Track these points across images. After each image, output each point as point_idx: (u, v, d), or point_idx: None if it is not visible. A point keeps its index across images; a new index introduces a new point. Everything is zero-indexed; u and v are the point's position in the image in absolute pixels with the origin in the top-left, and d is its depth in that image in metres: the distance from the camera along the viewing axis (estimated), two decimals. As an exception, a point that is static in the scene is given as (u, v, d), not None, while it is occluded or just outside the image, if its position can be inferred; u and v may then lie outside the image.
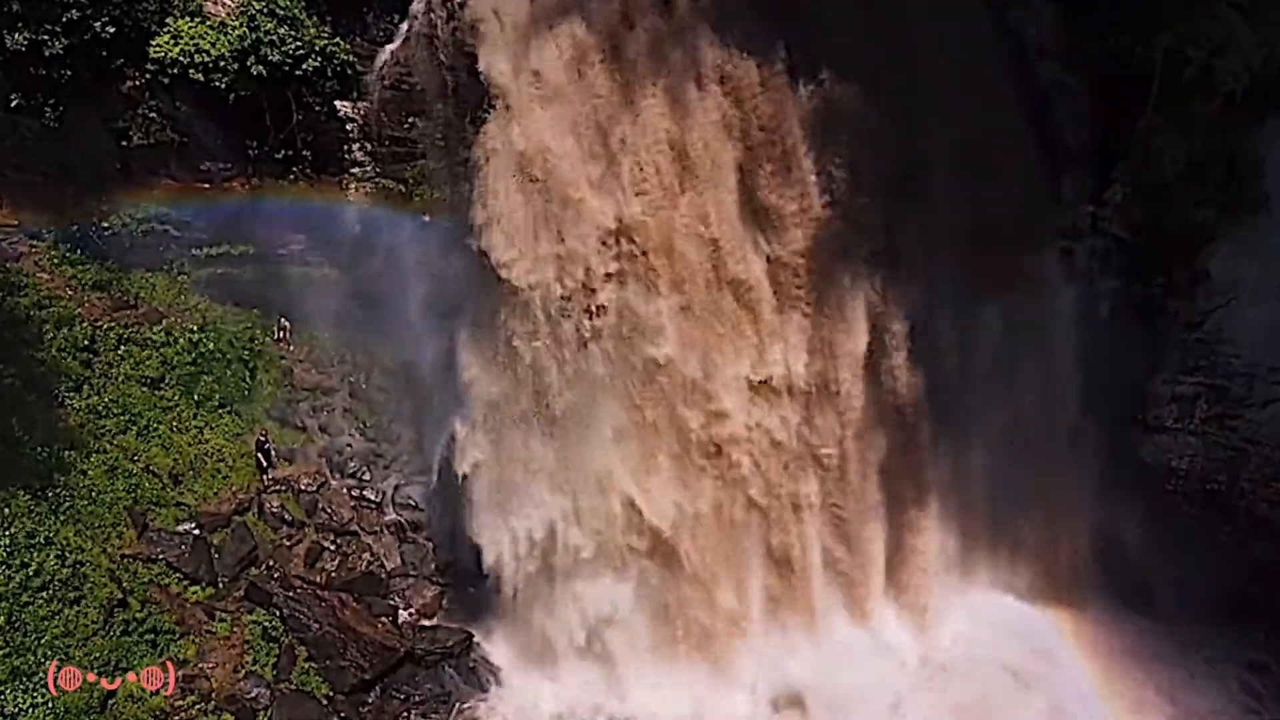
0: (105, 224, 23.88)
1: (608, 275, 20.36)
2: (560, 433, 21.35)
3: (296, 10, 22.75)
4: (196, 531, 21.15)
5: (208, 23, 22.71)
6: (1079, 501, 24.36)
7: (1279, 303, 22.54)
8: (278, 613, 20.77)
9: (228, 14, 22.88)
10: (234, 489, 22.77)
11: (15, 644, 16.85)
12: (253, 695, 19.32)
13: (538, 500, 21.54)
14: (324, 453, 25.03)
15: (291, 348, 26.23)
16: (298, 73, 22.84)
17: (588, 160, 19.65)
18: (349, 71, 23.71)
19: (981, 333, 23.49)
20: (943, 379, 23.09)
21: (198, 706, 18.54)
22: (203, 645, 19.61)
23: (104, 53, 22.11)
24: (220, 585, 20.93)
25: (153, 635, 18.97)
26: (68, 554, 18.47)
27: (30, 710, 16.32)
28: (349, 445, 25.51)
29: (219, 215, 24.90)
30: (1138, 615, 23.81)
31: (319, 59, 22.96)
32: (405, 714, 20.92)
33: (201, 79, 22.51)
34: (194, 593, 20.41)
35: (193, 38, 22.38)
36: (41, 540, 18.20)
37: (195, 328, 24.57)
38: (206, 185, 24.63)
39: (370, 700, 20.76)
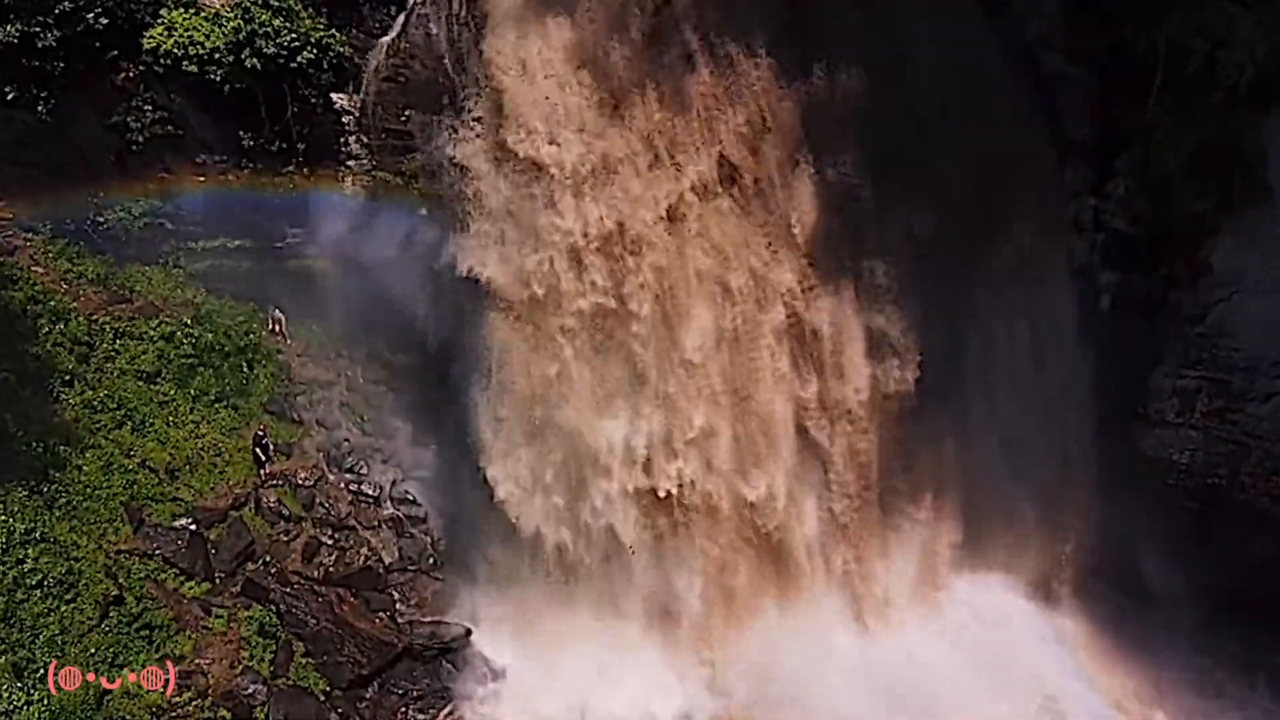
0: (100, 217, 23.75)
1: (594, 278, 20.25)
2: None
3: (291, 2, 22.54)
4: (193, 527, 21.02)
5: (202, 14, 22.52)
6: (1079, 495, 24.32)
7: (1281, 296, 22.42)
8: (275, 608, 20.69)
9: (222, 5, 22.69)
10: (231, 484, 22.65)
11: (11, 641, 16.74)
12: (250, 691, 19.23)
13: None
14: (321, 447, 24.86)
15: (289, 341, 26.10)
16: (293, 65, 22.65)
17: (584, 157, 19.52)
18: (345, 64, 23.51)
19: (981, 326, 23.38)
20: (942, 372, 23.02)
21: (194, 703, 18.42)
22: (199, 641, 19.49)
23: (97, 45, 21.93)
24: (217, 581, 20.81)
25: (149, 631, 18.85)
26: (63, 550, 18.37)
27: (26, 707, 16.23)
28: (346, 440, 25.36)
29: (215, 208, 24.74)
30: (1138, 610, 23.73)
31: (314, 51, 22.78)
32: (403, 709, 20.88)
33: (196, 71, 22.32)
34: (190, 588, 20.27)
35: (187, 30, 22.19)
36: (36, 536, 18.09)
37: (191, 321, 24.43)
38: (202, 178, 24.44)
39: (368, 696, 20.70)
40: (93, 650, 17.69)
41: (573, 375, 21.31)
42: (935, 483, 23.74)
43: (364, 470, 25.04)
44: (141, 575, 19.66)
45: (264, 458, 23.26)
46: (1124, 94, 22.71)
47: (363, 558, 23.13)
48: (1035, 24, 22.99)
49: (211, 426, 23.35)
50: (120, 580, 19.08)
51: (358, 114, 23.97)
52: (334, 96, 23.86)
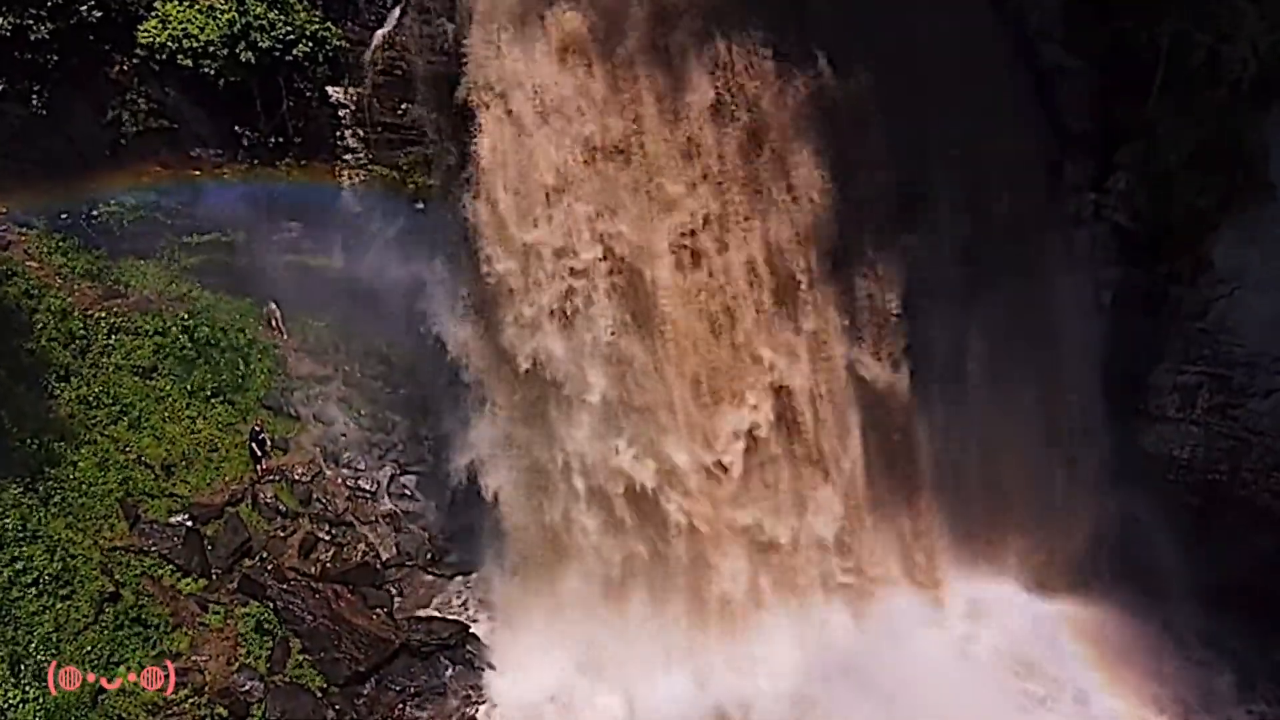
0: (95, 211, 23.63)
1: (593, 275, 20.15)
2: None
3: (286, -7, 22.39)
4: (189, 523, 20.95)
5: (196, 7, 22.33)
6: (1079, 491, 24.20)
7: (1283, 292, 22.27)
8: (272, 604, 20.62)
9: (216, -2, 22.51)
10: (227, 479, 22.58)
11: (5, 638, 16.66)
12: (246, 688, 19.19)
13: None
14: (318, 442, 24.79)
15: (285, 336, 26.01)
16: (288, 58, 22.50)
17: (579, 151, 19.40)
18: (340, 57, 23.37)
19: (981, 322, 23.26)
20: (941, 368, 22.94)
21: (191, 700, 18.36)
22: (196, 638, 19.45)
23: (91, 38, 21.77)
24: (213, 577, 20.75)
25: (145, 628, 18.78)
26: (58, 547, 18.29)
27: (21, 706, 16.20)
28: (344, 434, 25.27)
29: (211, 202, 24.60)
30: (1138, 605, 23.62)
31: (310, 44, 22.62)
32: (400, 706, 20.85)
33: (190, 65, 22.18)
34: (187, 585, 20.22)
35: (181, 23, 22.03)
36: (31, 534, 18.00)
37: (187, 316, 24.32)
38: (198, 172, 24.32)
39: (365, 692, 20.64)
40: (88, 648, 17.64)
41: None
42: (932, 479, 23.63)
43: (361, 465, 24.98)
44: (137, 572, 19.61)
45: (260, 453, 23.17)
46: (1125, 88, 22.48)
47: (360, 553, 23.12)
48: (1035, 17, 22.76)
49: (208, 422, 23.26)
50: (116, 577, 19.03)
51: (354, 107, 23.81)
52: (330, 90, 23.71)
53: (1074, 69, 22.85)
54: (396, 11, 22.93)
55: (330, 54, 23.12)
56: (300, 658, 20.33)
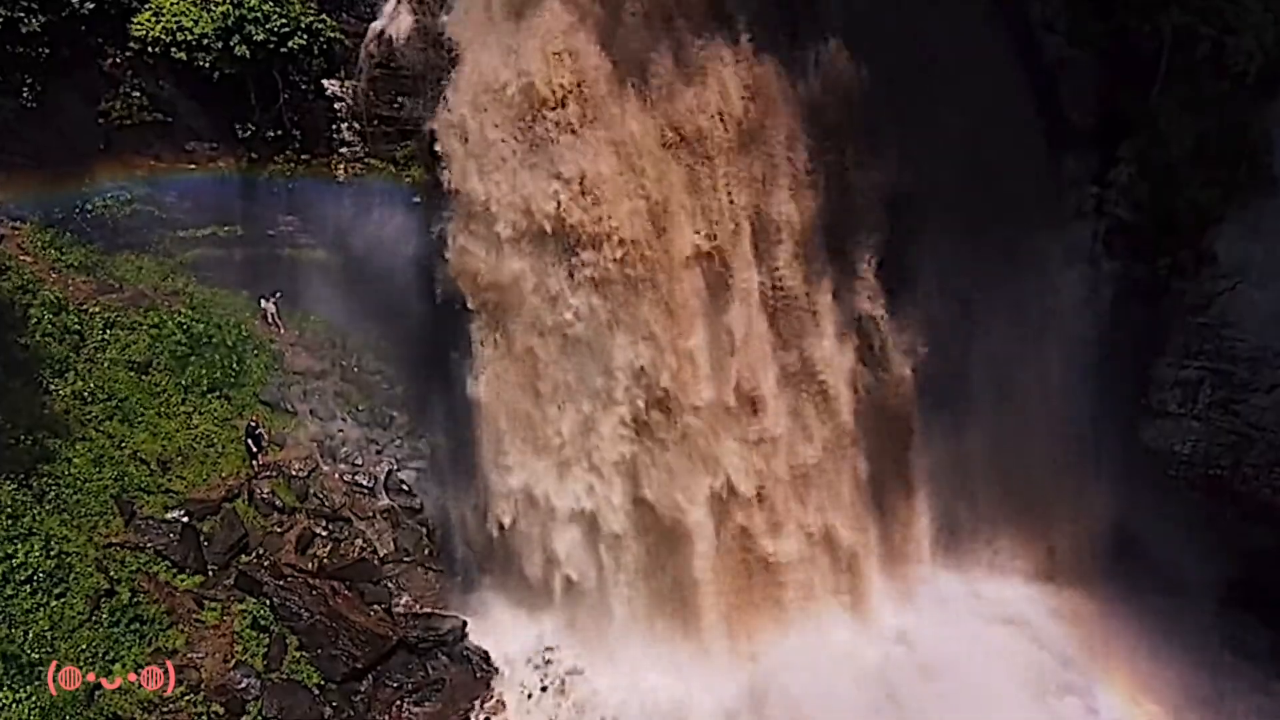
0: (89, 205, 23.45)
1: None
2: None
3: (281, -14, 22.17)
4: (185, 519, 20.82)
5: (190, -1, 22.14)
6: (1080, 486, 24.15)
7: (1286, 286, 22.12)
8: (268, 601, 20.50)
9: (210, -11, 22.28)
10: (223, 475, 22.42)
11: (0, 636, 16.60)
12: (243, 685, 19.10)
13: None
14: (315, 437, 24.59)
15: (282, 330, 25.85)
16: (283, 51, 22.25)
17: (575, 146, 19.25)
18: (336, 49, 23.15)
19: (981, 315, 23.15)
20: (941, 362, 22.83)
21: (187, 697, 18.31)
22: (192, 635, 19.36)
23: (83, 30, 21.55)
24: (210, 574, 20.63)
25: (140, 625, 18.71)
26: (53, 544, 18.22)
27: (15, 704, 16.12)
28: (341, 430, 25.09)
29: (206, 196, 24.41)
30: (1138, 600, 23.56)
31: (305, 36, 22.38)
32: (398, 702, 20.78)
33: (184, 58, 21.95)
34: (183, 581, 20.11)
35: (175, 15, 21.79)
36: (25, 530, 17.94)
37: (183, 311, 24.14)
38: (193, 166, 24.11)
39: (362, 689, 20.57)
40: (84, 645, 17.58)
41: None
42: (932, 473, 23.57)
43: (359, 461, 24.78)
44: (133, 569, 19.50)
45: (257, 449, 23.02)
46: (1127, 81, 22.37)
47: (357, 549, 22.99)
48: (1038, 9, 22.64)
49: (204, 417, 23.10)
50: (111, 574, 18.94)
51: (350, 101, 23.61)
52: (325, 83, 23.50)
53: (1077, 62, 22.73)
54: (391, 3, 22.73)
55: (325, 47, 22.89)
56: (297, 654, 20.24)
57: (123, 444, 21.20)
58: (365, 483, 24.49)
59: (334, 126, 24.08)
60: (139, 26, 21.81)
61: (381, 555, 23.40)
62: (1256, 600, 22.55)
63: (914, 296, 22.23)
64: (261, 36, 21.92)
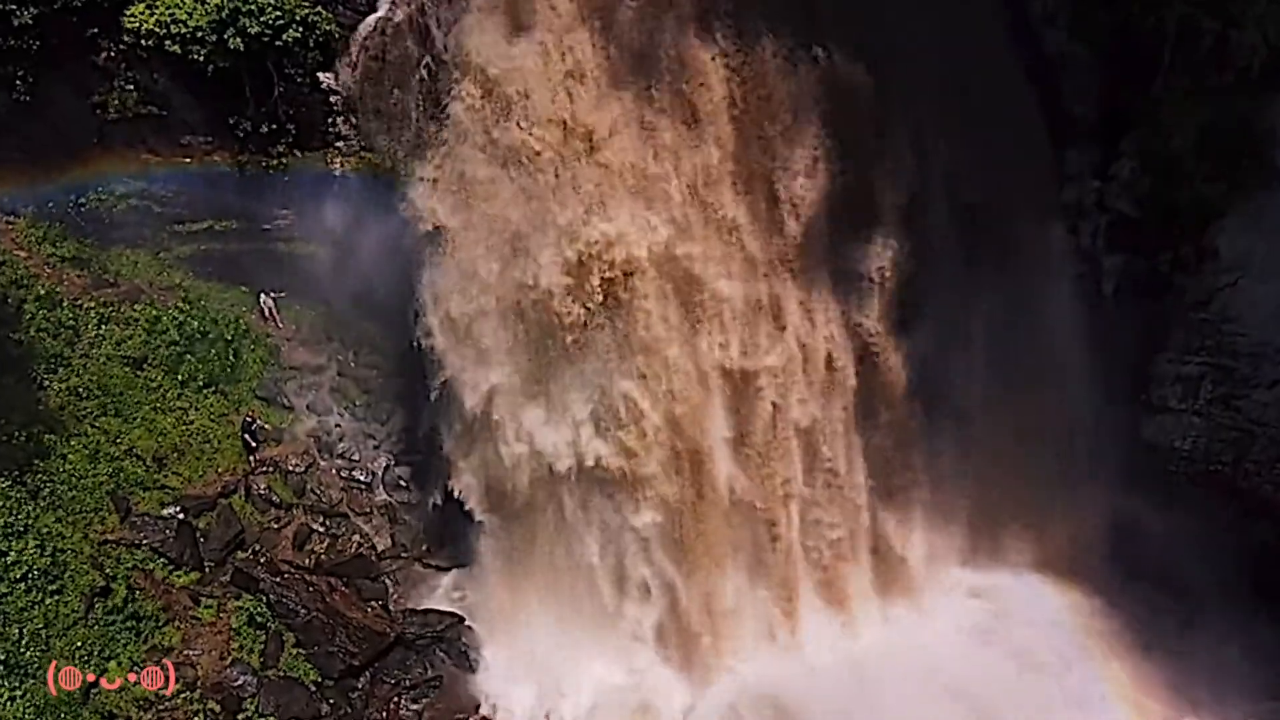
0: (83, 200, 23.27)
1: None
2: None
3: (276, -22, 21.94)
4: (181, 515, 20.73)
5: (183, -10, 21.91)
6: (1080, 482, 24.10)
7: (1288, 281, 22.01)
8: (265, 598, 20.42)
9: (205, -18, 22.05)
10: (220, 471, 22.37)
11: (-5, 634, 16.57)
12: (239, 682, 19.05)
13: None
14: (312, 433, 24.54)
15: (278, 325, 25.73)
16: (278, 43, 22.00)
17: (570, 142, 19.09)
18: (332, 42, 22.89)
19: (981, 310, 23.04)
20: (941, 358, 22.73)
21: (183, 695, 18.23)
22: (188, 632, 19.30)
23: (76, 22, 21.33)
24: (206, 570, 20.57)
25: (136, 622, 18.64)
26: (48, 541, 18.12)
27: (11, 702, 16.05)
28: (338, 425, 25.05)
29: (202, 190, 24.24)
30: (1138, 596, 23.54)
31: (300, 29, 22.13)
32: (395, 699, 20.73)
33: (179, 51, 21.70)
34: (179, 578, 20.05)
35: (169, 7, 21.50)
36: (20, 528, 17.82)
37: (179, 305, 24.02)
38: (188, 159, 23.89)
39: (360, 686, 20.51)
40: (79, 643, 17.50)
41: None
42: (931, 469, 23.47)
43: (356, 456, 24.76)
44: (129, 565, 19.42)
45: (254, 444, 22.98)
46: (1130, 75, 22.24)
47: (355, 545, 23.00)
48: (1039, 3, 22.49)
49: (200, 413, 23.03)
50: (107, 571, 18.86)
51: (345, 94, 23.41)
52: (321, 76, 23.26)
53: (1078, 56, 22.59)
54: (389, -5, 22.52)
55: (321, 39, 22.63)
56: (294, 651, 20.18)
57: (118, 440, 21.10)
58: (362, 478, 24.48)
59: (330, 120, 23.85)
60: (132, 19, 21.56)
61: (379, 551, 23.41)
62: (1258, 596, 22.48)
63: (913, 289, 22.06)
64: (256, 29, 21.69)
